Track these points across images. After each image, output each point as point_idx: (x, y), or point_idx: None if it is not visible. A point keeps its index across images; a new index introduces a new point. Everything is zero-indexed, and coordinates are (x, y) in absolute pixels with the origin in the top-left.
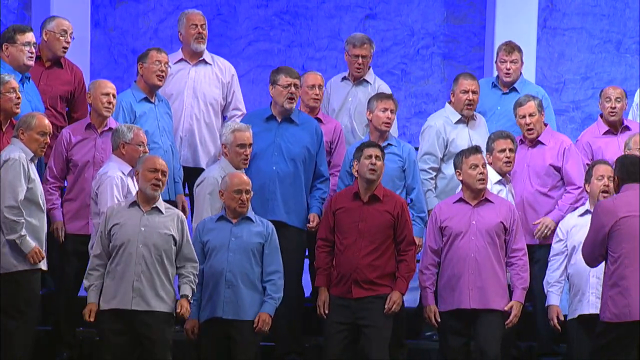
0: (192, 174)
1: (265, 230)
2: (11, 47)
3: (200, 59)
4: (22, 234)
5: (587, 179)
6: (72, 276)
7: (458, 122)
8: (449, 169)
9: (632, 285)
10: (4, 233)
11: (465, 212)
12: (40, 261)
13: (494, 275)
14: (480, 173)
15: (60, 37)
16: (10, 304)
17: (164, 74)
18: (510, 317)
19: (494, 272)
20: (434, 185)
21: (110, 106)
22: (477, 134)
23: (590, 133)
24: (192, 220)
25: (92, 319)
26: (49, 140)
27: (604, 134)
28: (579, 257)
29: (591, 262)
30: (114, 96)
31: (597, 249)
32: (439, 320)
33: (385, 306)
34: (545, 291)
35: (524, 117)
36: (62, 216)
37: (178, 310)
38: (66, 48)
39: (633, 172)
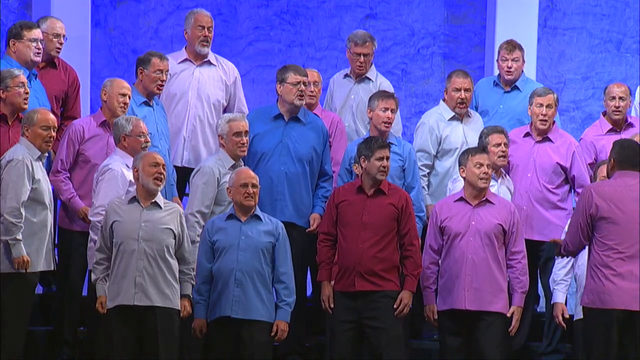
0: None
1: (275, 230)
2: (18, 43)
3: (205, 59)
4: (18, 237)
5: (592, 181)
6: (76, 275)
7: (452, 119)
8: (442, 166)
9: (616, 274)
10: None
11: (466, 212)
12: (25, 270)
13: (491, 277)
14: (485, 172)
15: (54, 39)
16: (3, 304)
17: (163, 83)
18: (513, 324)
19: (491, 274)
20: (427, 183)
21: (125, 106)
22: (471, 131)
23: (594, 131)
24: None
25: (105, 311)
26: (53, 134)
27: (607, 132)
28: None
29: (576, 249)
30: (129, 97)
31: (583, 234)
32: (436, 318)
33: (396, 307)
34: (551, 289)
35: (542, 106)
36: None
37: (181, 313)
38: (59, 50)
39: (630, 156)
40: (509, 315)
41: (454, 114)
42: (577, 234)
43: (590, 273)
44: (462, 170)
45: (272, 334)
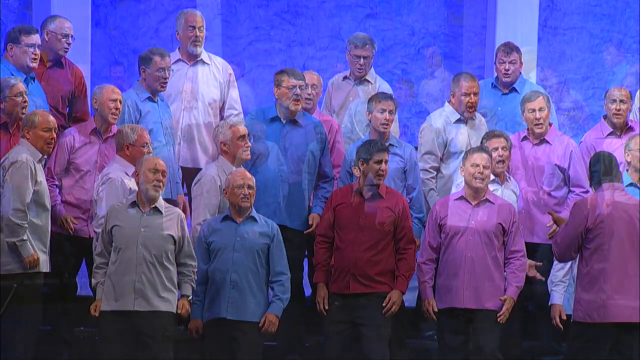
0: (190, 174)
1: (270, 231)
2: (16, 48)
3: (198, 59)
4: (24, 238)
5: (591, 182)
6: (70, 277)
7: (457, 121)
8: (447, 168)
9: (609, 287)
10: (4, 235)
11: (465, 211)
12: (35, 267)
13: (490, 276)
14: (480, 172)
15: (62, 39)
16: (11, 305)
17: (166, 81)
18: (502, 311)
19: (489, 273)
20: (436, 185)
21: (117, 112)
22: (476, 134)
23: (594, 134)
24: (190, 218)
25: (97, 314)
26: (55, 136)
27: (608, 135)
28: None
29: (565, 257)
30: (120, 102)
31: (574, 244)
32: (436, 311)
33: (384, 306)
34: (549, 290)
35: (534, 111)
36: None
37: (179, 310)
38: (67, 49)
39: (611, 167)
40: (501, 299)
41: (459, 116)
42: (566, 244)
43: (583, 287)
44: (461, 169)
45: (260, 324)
